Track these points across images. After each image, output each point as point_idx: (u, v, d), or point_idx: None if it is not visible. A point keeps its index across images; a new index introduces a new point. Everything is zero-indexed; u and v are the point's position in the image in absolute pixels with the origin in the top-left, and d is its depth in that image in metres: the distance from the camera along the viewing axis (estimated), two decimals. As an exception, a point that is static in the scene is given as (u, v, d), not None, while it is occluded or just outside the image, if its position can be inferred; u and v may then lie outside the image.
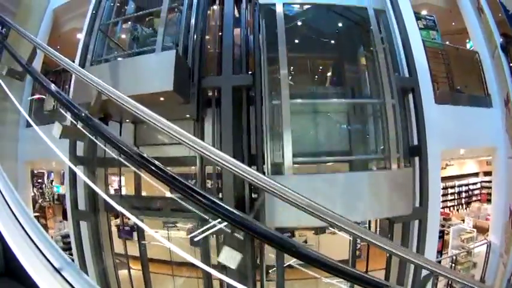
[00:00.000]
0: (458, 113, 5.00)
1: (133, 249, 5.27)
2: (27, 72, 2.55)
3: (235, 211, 1.19)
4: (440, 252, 5.95)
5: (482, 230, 6.59)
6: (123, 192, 5.56)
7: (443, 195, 7.72)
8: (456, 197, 8.74)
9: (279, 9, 3.40)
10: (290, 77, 3.40)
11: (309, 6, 3.80)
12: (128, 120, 4.71)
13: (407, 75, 4.27)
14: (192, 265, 1.54)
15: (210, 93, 4.21)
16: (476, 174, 8.91)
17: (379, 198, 3.16)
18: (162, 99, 3.57)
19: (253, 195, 3.92)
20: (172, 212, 4.39)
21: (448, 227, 6.77)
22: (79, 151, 4.32)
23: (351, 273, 1.19)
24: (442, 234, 6.02)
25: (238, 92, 4.02)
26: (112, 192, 5.84)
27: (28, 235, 1.61)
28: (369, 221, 6.39)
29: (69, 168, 4.70)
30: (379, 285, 1.24)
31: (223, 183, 3.75)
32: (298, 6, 3.82)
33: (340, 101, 4.29)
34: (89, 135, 1.89)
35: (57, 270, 1.42)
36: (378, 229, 6.24)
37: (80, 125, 1.77)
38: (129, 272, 5.10)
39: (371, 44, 3.53)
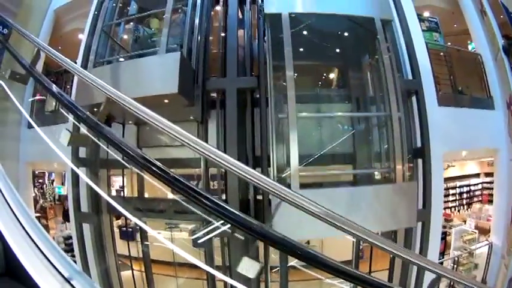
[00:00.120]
0: (461, 115, 5.01)
1: (135, 250, 5.27)
2: (29, 74, 2.52)
3: (240, 213, 1.19)
4: (442, 254, 5.96)
5: (483, 231, 6.60)
6: (126, 193, 5.55)
7: (444, 196, 7.72)
8: (457, 198, 8.77)
9: (285, 19, 3.34)
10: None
11: (314, 15, 3.72)
12: (130, 122, 4.70)
13: (410, 77, 4.28)
14: (195, 266, 1.53)
15: (214, 95, 4.21)
16: (477, 175, 8.93)
17: (384, 212, 3.17)
18: (166, 101, 3.56)
19: (257, 197, 3.92)
20: (175, 214, 4.38)
21: (450, 228, 6.78)
22: (81, 153, 4.31)
23: (354, 275, 1.21)
24: (444, 236, 6.04)
25: (242, 94, 4.01)
26: (114, 193, 5.83)
27: (29, 235, 1.61)
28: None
29: (72, 169, 4.69)
30: (383, 287, 1.25)
31: (228, 185, 3.75)
32: (304, 14, 3.73)
33: (346, 114, 4.30)
34: (92, 137, 1.88)
35: (61, 274, 1.42)
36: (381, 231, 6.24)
37: (82, 127, 1.75)
38: (132, 273, 5.09)
39: (377, 52, 3.50)
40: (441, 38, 5.93)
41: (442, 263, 5.73)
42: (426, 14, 6.41)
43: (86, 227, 4.62)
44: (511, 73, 5.09)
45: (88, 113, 1.65)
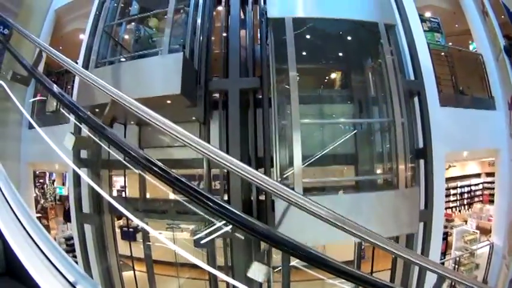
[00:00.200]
0: (462, 115, 5.01)
1: (137, 251, 5.26)
2: (30, 74, 2.50)
3: (243, 215, 1.19)
4: (443, 254, 5.97)
5: (484, 231, 6.60)
6: (127, 193, 5.53)
7: (445, 196, 7.72)
8: (458, 198, 8.77)
9: (289, 23, 3.30)
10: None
11: (317, 19, 3.69)
12: (132, 122, 4.69)
13: (413, 78, 4.28)
14: (196, 266, 1.53)
15: (217, 96, 4.20)
16: (478, 175, 8.92)
17: (386, 218, 3.17)
18: (168, 102, 3.55)
19: (259, 197, 3.92)
20: (177, 214, 4.38)
21: (451, 229, 6.78)
22: (83, 153, 4.30)
23: (356, 275, 1.21)
24: (445, 236, 6.04)
25: (245, 94, 4.01)
26: (115, 193, 5.82)
27: (29, 235, 1.62)
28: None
29: (73, 169, 4.68)
30: (384, 287, 1.25)
31: (231, 186, 3.74)
32: (307, 19, 3.68)
33: (349, 121, 4.31)
34: (94, 138, 1.86)
35: (64, 277, 1.42)
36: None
37: (84, 128, 1.74)
38: (134, 273, 5.09)
39: (379, 56, 3.48)
40: (443, 39, 5.93)
41: (443, 263, 5.74)
42: (428, 14, 6.40)
43: (87, 228, 4.62)
44: (513, 73, 5.10)
45: (89, 113, 1.64)
